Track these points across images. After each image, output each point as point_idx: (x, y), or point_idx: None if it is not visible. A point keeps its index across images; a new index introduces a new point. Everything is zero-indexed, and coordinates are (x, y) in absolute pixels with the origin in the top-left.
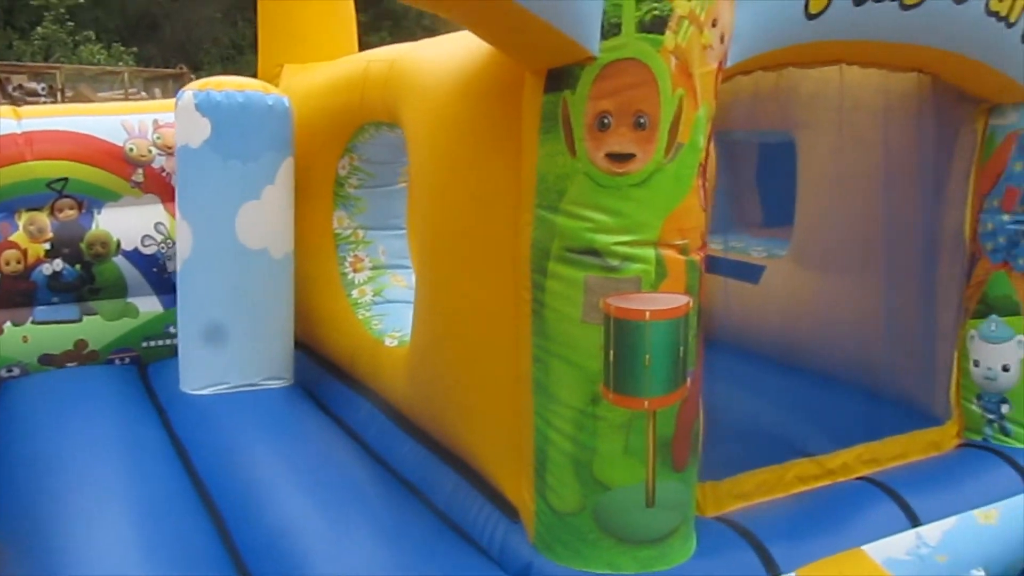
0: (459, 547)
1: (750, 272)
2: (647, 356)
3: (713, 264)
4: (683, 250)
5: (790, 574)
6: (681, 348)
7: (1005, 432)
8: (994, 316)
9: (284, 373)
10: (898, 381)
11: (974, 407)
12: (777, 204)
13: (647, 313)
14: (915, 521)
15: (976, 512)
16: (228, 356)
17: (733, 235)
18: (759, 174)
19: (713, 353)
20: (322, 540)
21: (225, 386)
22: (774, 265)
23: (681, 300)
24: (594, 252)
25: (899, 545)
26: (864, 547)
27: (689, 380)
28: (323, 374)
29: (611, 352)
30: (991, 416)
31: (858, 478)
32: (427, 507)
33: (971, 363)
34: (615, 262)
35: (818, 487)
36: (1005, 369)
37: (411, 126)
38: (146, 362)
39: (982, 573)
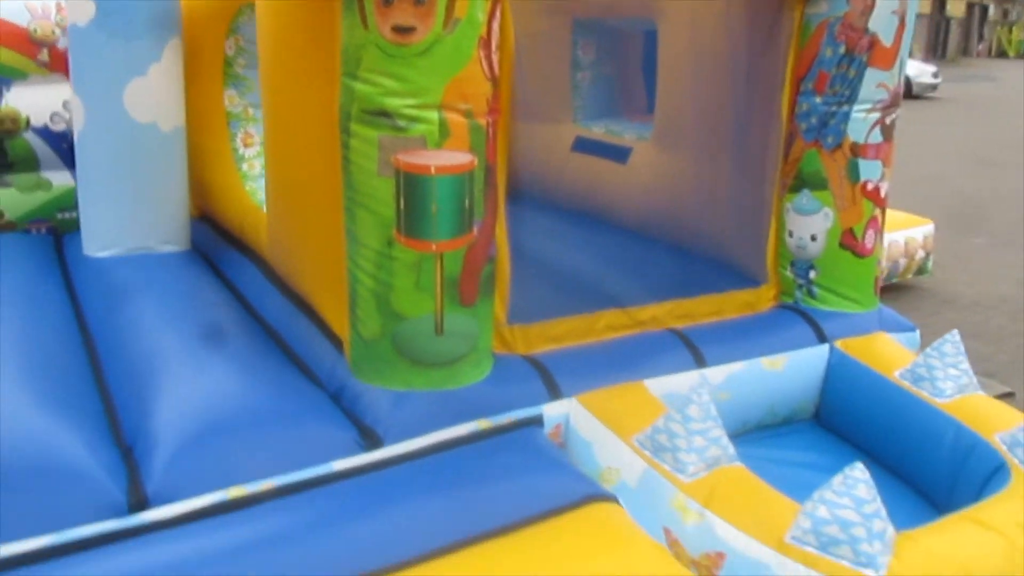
0: (298, 377)
1: (619, 153)
2: (434, 205)
3: (586, 145)
4: (467, 114)
5: (570, 399)
6: (467, 200)
7: (812, 295)
8: (806, 190)
9: (179, 239)
10: (728, 248)
11: (788, 273)
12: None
13: (432, 168)
14: (702, 365)
15: (763, 359)
16: (124, 221)
17: (615, 120)
18: (644, 63)
19: (571, 222)
20: (179, 366)
21: (122, 248)
22: (640, 147)
23: (465, 158)
24: (385, 114)
25: (681, 382)
26: (645, 381)
27: (476, 229)
28: (219, 242)
29: (402, 201)
30: (801, 281)
31: (665, 329)
32: (283, 349)
33: (787, 233)
34: (403, 123)
35: (625, 335)
36: (813, 239)
37: (259, 9)
38: (61, 232)
39: None
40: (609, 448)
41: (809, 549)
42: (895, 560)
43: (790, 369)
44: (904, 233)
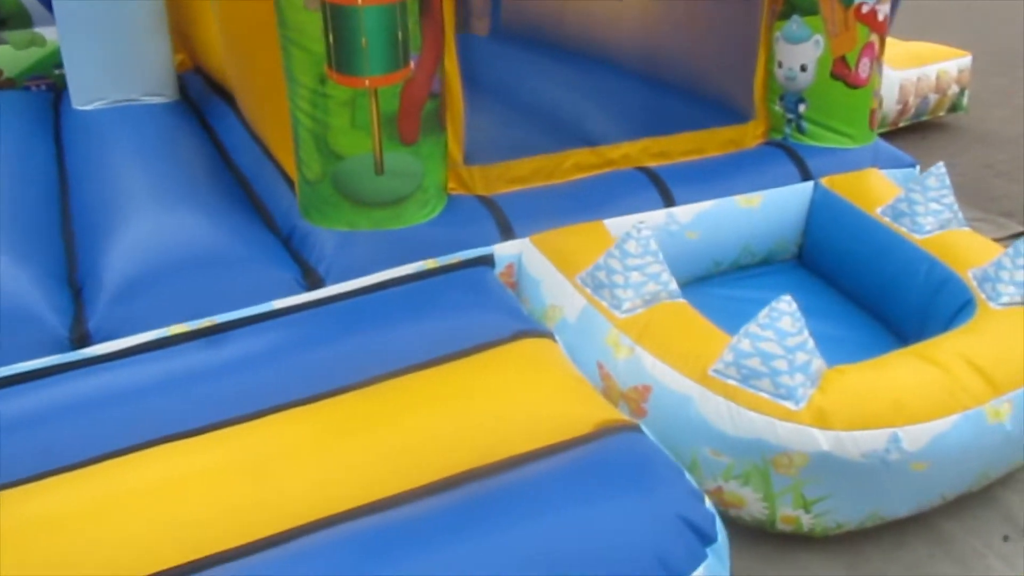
0: (253, 221)
1: None
2: (363, 39)
3: None
4: None
5: (523, 239)
6: (399, 33)
7: (801, 130)
8: (796, 16)
9: (165, 90)
10: (713, 81)
11: (777, 108)
12: None
13: None
14: (670, 203)
15: (738, 197)
16: (106, 73)
17: None
18: None
19: (544, 55)
20: (138, 210)
21: (107, 100)
22: None
23: None
24: None
25: (647, 221)
26: (608, 221)
27: (413, 63)
28: (209, 93)
29: (331, 35)
30: (790, 116)
31: (637, 168)
32: (248, 194)
33: (776, 64)
34: None
35: (593, 175)
36: (803, 69)
37: None
38: (60, 88)
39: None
40: (554, 286)
41: (730, 381)
42: (818, 392)
43: (767, 207)
44: (936, 66)
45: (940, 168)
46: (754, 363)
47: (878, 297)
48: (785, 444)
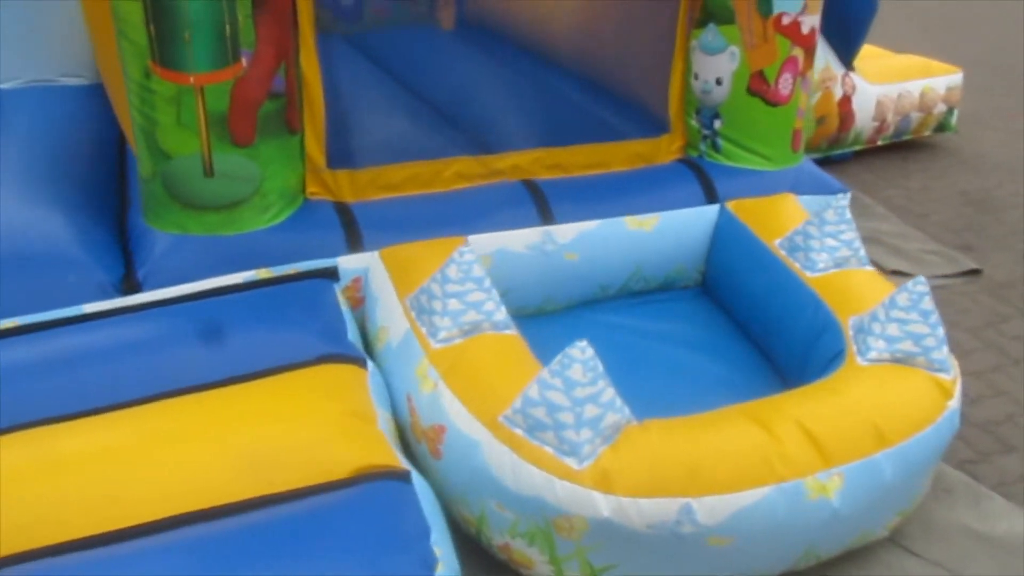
0: (100, 218)
1: None
2: (187, 32)
3: None
4: None
5: (371, 253)
6: (228, 27)
7: (716, 148)
8: (712, 24)
9: (84, 71)
10: (627, 91)
11: (694, 122)
12: None
13: None
14: (549, 221)
15: (628, 218)
16: (18, 52)
17: None
18: None
19: (437, 51)
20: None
21: (20, 80)
22: None
23: None
24: None
25: (519, 239)
26: (472, 237)
27: (245, 60)
28: None
29: (151, 27)
30: (706, 132)
31: (522, 181)
32: (121, 188)
33: (692, 76)
34: None
35: (475, 186)
36: (719, 82)
37: None
38: None
39: None
40: (387, 306)
41: (517, 431)
42: (609, 451)
43: (663, 230)
44: (921, 83)
45: (842, 200)
46: (540, 413)
47: (767, 336)
48: (565, 506)
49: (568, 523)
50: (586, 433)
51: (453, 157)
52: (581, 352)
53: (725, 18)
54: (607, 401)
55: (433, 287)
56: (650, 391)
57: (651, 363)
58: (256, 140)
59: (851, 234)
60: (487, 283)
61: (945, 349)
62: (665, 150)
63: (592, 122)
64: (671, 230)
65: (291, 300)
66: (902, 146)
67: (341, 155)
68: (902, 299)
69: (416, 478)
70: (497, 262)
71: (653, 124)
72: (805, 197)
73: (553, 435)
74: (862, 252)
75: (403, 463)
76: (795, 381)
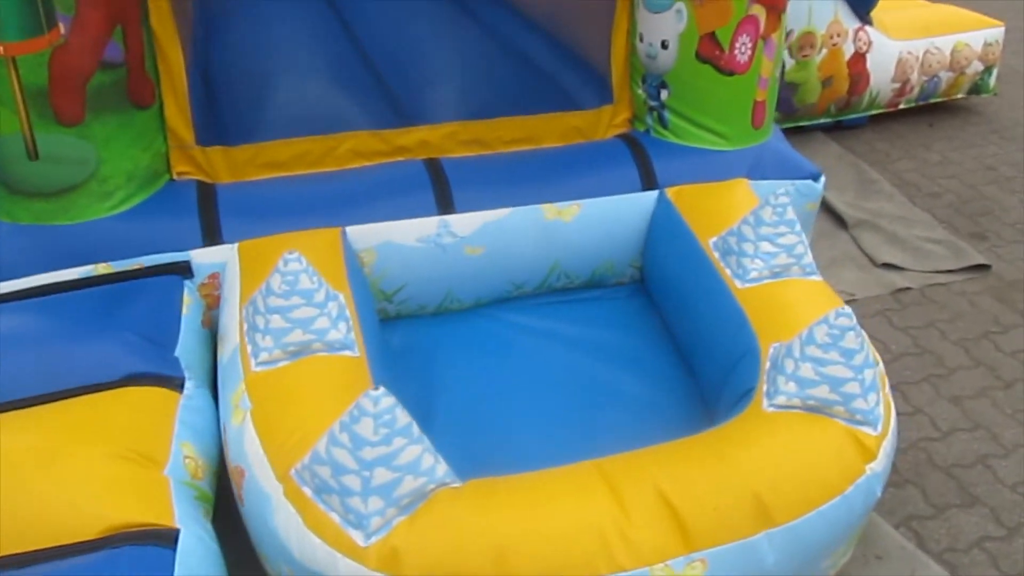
0: None
1: None
2: None
3: None
4: None
5: (230, 245)
6: None
7: (663, 123)
8: None
9: None
10: (570, 54)
11: (640, 91)
12: None
13: None
14: (448, 209)
15: (546, 207)
16: None
17: None
18: None
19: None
20: None
21: None
22: None
23: None
24: None
25: (409, 230)
26: (349, 228)
27: (64, 28)
28: None
29: None
30: (653, 103)
31: (425, 161)
32: None
33: (637, 38)
34: None
35: (372, 165)
36: (664, 46)
37: None
38: None
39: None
40: (229, 313)
41: (306, 489)
42: (406, 523)
43: (585, 221)
44: (953, 37)
45: (781, 196)
46: (326, 473)
47: (692, 354)
48: None
49: None
50: (375, 503)
51: (349, 132)
52: (373, 404)
53: None
54: (407, 463)
55: (258, 299)
56: (548, 415)
57: (558, 377)
58: (87, 118)
59: (792, 237)
60: (321, 295)
61: (874, 396)
62: (607, 124)
63: (520, 90)
64: (596, 220)
65: (120, 303)
66: (929, 109)
67: (213, 130)
68: (820, 334)
69: (189, 540)
70: (383, 257)
71: (593, 93)
72: (767, 183)
73: (339, 501)
74: (807, 259)
75: (178, 520)
76: (711, 408)
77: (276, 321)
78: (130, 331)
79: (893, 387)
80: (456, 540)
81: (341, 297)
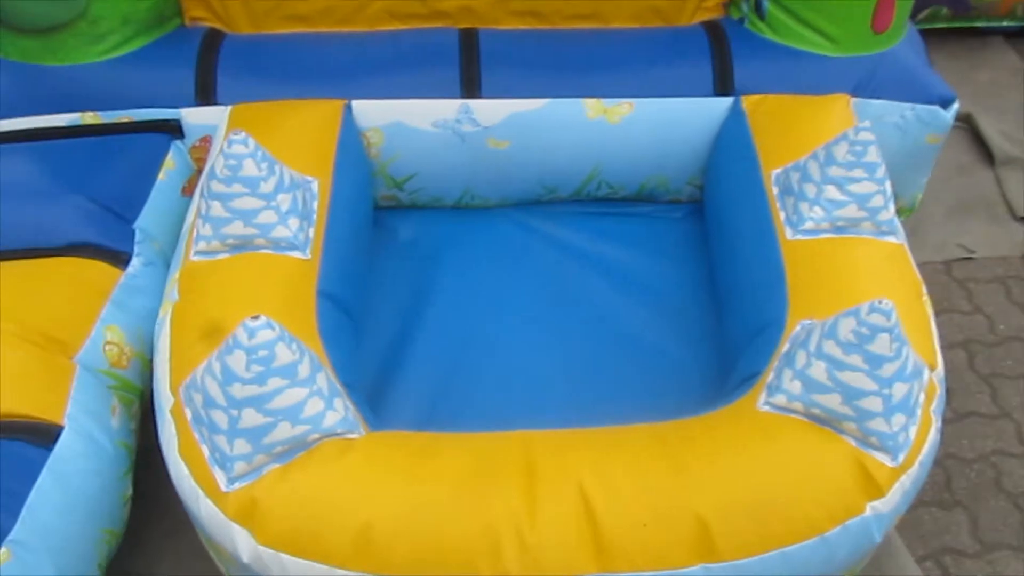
0: None
1: None
2: None
3: None
4: None
5: (224, 107)
6: None
7: (759, 11)
8: None
9: None
10: None
11: None
12: None
13: None
14: (473, 94)
15: (589, 101)
16: None
17: None
18: None
19: None
20: None
21: None
22: None
23: None
24: None
25: (424, 112)
26: (357, 103)
27: None
28: None
29: None
30: None
31: (462, 30)
32: None
33: None
34: None
35: (405, 30)
36: None
37: None
38: None
39: None
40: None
41: (187, 411)
42: (276, 475)
43: (634, 124)
44: None
45: (862, 128)
46: (199, 401)
47: (726, 309)
48: (208, 529)
49: (217, 550)
50: (241, 446)
51: None
52: (248, 336)
53: None
54: (284, 407)
55: (204, 181)
56: (540, 353)
57: (570, 308)
58: None
59: (870, 184)
60: (270, 185)
61: (900, 418)
62: (694, 6)
63: None
64: (650, 126)
65: (93, 161)
66: None
67: None
68: (845, 328)
69: (73, 440)
70: (392, 140)
71: None
72: (878, 103)
73: (208, 434)
74: (885, 214)
75: (68, 415)
76: (718, 396)
77: (216, 208)
78: (87, 194)
79: (984, 378)
80: (321, 505)
81: (314, 185)
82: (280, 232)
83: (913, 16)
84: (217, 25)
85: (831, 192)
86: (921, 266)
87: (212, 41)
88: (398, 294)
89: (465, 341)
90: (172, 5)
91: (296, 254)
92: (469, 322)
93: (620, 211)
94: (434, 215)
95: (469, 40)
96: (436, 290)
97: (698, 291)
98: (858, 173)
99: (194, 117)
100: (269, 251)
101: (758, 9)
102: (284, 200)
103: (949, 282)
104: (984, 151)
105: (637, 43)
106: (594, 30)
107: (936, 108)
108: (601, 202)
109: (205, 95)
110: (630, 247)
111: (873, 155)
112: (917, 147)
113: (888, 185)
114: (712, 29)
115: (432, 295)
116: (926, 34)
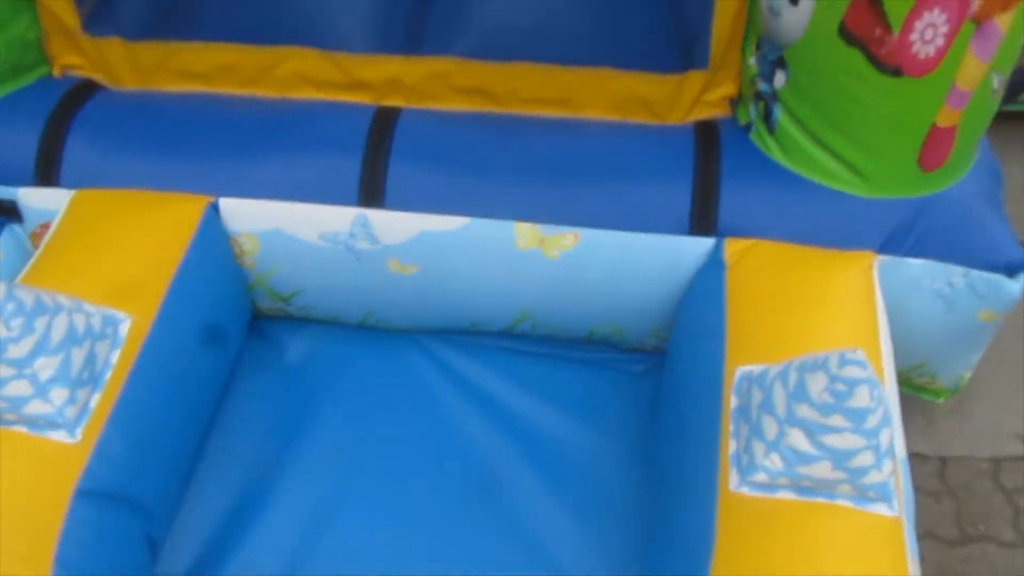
0: None
1: None
2: None
3: None
4: None
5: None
6: None
7: (769, 123)
8: None
9: None
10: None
11: (752, 63)
12: None
13: None
14: (375, 202)
15: (521, 225)
16: None
17: None
18: None
19: None
20: None
21: None
22: None
23: None
24: None
25: (309, 221)
26: (233, 200)
27: None
28: None
29: None
30: (762, 87)
31: (383, 108)
32: None
33: None
34: None
35: (321, 100)
36: (793, 1)
37: None
38: None
39: None
40: None
41: None
42: None
43: (577, 262)
44: None
45: (850, 361)
46: None
47: (653, 536)
48: None
49: None
50: None
51: (293, 47)
52: None
53: None
54: None
55: None
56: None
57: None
58: None
59: (854, 439)
60: (25, 346)
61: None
62: (691, 99)
63: (563, 23)
64: (598, 265)
65: None
66: None
67: (109, 14)
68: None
69: None
70: (270, 249)
71: (675, 50)
72: (919, 263)
73: None
74: (875, 476)
75: None
76: None
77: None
78: None
79: None
80: None
81: (124, 326)
82: (36, 407)
83: (1014, 96)
84: (96, 76)
85: (796, 438)
86: (958, 462)
87: (76, 99)
88: (263, 433)
89: (326, 507)
90: (31, 52)
91: (58, 436)
92: (335, 483)
93: (563, 355)
94: (332, 331)
95: (384, 124)
96: (309, 434)
97: (639, 490)
98: (837, 421)
99: (32, 199)
100: (23, 429)
101: (767, 118)
102: (46, 366)
103: (993, 491)
104: None
105: (601, 148)
106: (552, 124)
107: (999, 277)
108: (541, 340)
109: (46, 172)
110: (566, 413)
111: (862, 399)
112: (966, 324)
113: (885, 436)
114: (705, 136)
115: (302, 440)
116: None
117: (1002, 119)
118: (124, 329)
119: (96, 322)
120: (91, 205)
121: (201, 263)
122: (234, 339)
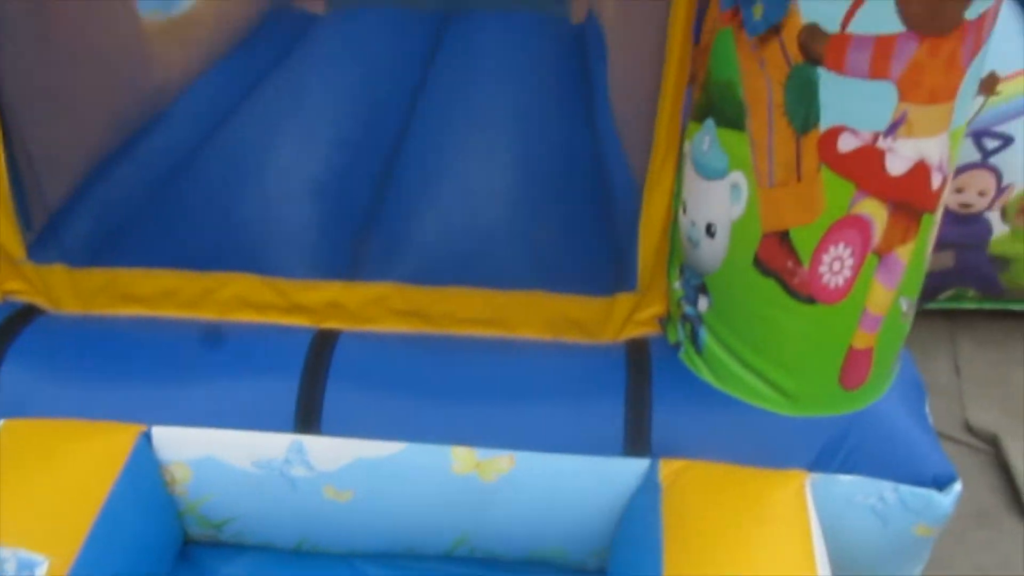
0: None
1: None
2: None
3: None
4: None
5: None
6: None
7: (696, 344)
8: (710, 122)
9: None
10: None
11: (677, 286)
12: None
13: None
14: (311, 428)
15: (457, 450)
16: None
17: None
18: None
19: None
20: None
21: None
22: None
23: None
24: None
25: (243, 447)
26: (164, 429)
27: None
28: None
29: None
30: (688, 310)
31: (323, 331)
32: None
33: (680, 206)
34: None
35: (262, 324)
36: (710, 232)
37: None
38: None
39: None
40: None
41: None
42: None
43: (513, 485)
44: None
45: None
46: None
47: None
48: None
49: None
50: None
51: (232, 273)
52: None
53: (730, 113)
54: None
55: None
56: None
57: None
58: None
59: None
60: None
61: None
62: (622, 319)
63: (497, 249)
64: (534, 488)
65: None
66: None
67: (53, 240)
68: None
69: None
70: (202, 477)
71: (605, 274)
72: (848, 480)
73: None
74: None
75: None
76: None
77: None
78: None
79: None
80: None
81: (40, 569)
82: None
83: (934, 296)
84: (37, 300)
85: None
86: None
87: (14, 325)
88: None
89: None
90: None
91: None
92: None
93: (505, 572)
94: (266, 557)
95: (322, 348)
96: None
97: None
98: None
99: None
100: None
101: (694, 340)
102: None
103: None
104: (1013, 495)
105: (535, 369)
106: (488, 344)
107: (929, 492)
108: (481, 563)
109: None
110: None
111: None
112: (902, 540)
113: None
114: (636, 357)
115: None
116: (953, 315)
117: (925, 316)
118: (40, 573)
119: (10, 567)
120: (18, 436)
121: (129, 496)
122: (162, 571)
